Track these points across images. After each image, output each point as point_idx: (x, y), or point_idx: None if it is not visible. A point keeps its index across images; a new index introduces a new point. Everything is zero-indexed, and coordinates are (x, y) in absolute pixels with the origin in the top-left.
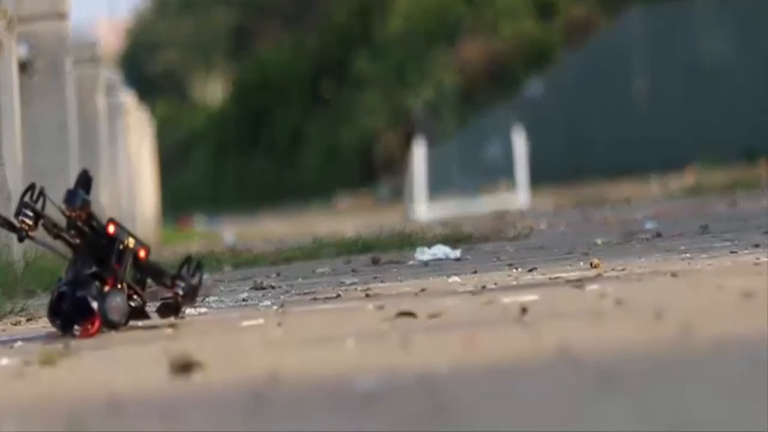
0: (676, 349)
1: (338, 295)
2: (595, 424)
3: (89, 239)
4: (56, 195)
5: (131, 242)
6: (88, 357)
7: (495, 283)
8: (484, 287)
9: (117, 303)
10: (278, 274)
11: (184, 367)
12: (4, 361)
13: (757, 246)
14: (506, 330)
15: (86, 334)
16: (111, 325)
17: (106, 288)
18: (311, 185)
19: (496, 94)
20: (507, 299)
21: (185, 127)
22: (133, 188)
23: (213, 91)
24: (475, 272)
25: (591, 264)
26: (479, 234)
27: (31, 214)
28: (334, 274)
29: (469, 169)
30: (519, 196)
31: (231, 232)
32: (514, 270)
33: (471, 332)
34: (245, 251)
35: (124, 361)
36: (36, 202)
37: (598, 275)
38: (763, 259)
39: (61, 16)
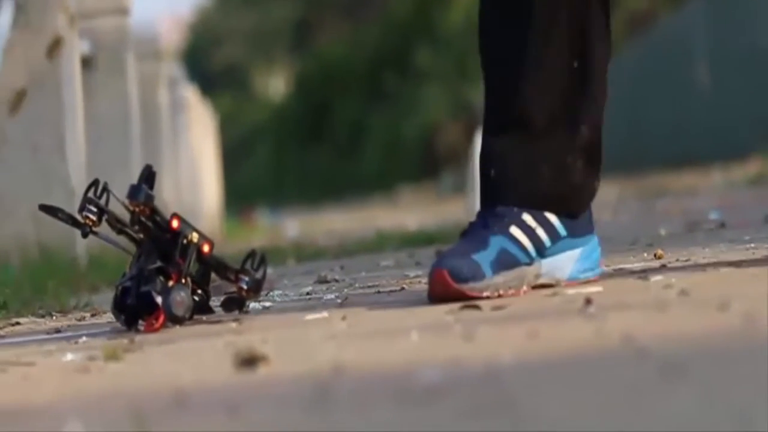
0: (740, 339)
1: (402, 288)
2: (661, 412)
3: (153, 234)
4: (119, 190)
5: (195, 237)
6: (153, 352)
7: None
8: None
9: (181, 298)
10: (342, 268)
11: (249, 361)
12: (69, 357)
13: None
14: (570, 322)
15: (150, 329)
16: (175, 320)
17: (171, 283)
18: (372, 178)
19: None
20: (571, 291)
21: (247, 121)
22: (195, 183)
23: (275, 84)
24: None
25: (655, 255)
26: None
27: (94, 209)
28: (397, 266)
29: None
30: None
31: (294, 225)
32: None
33: (535, 324)
34: (308, 244)
35: (188, 356)
36: (99, 197)
37: (662, 266)
38: None
39: (123, 11)
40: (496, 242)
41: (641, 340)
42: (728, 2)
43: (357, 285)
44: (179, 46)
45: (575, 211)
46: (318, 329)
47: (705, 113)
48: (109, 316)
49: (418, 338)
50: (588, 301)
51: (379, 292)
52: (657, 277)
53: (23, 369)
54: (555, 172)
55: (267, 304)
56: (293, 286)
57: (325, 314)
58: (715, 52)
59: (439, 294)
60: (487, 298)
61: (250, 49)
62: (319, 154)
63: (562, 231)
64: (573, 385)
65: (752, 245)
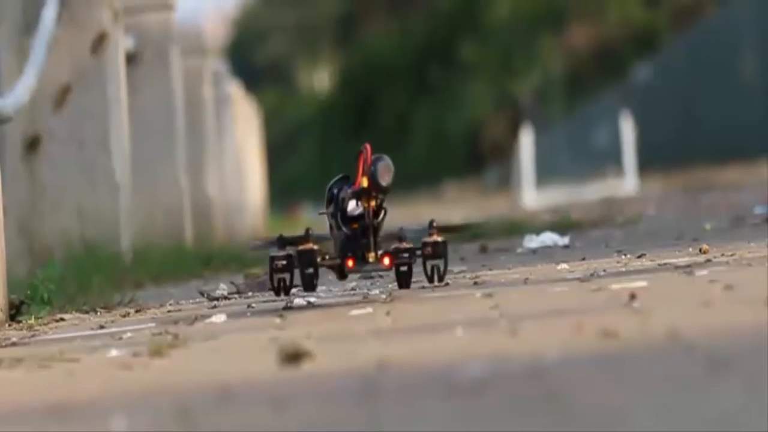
0: None
1: (447, 284)
2: (708, 404)
3: None
4: (162, 184)
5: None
6: (197, 347)
7: (604, 270)
8: (592, 274)
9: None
10: None
11: (293, 356)
12: (113, 353)
13: None
14: (615, 316)
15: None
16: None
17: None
18: (418, 172)
19: (604, 80)
20: (616, 286)
21: (292, 116)
22: (240, 178)
23: (319, 79)
24: (584, 259)
25: (700, 250)
26: (587, 220)
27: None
28: None
29: (576, 156)
30: (627, 182)
31: None
32: (623, 256)
33: (580, 319)
34: None
35: (232, 352)
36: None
37: (707, 261)
38: None
39: (168, 7)
40: None
41: (687, 336)
42: None
43: None
44: (224, 42)
45: None
46: (362, 324)
47: (752, 107)
48: (153, 312)
49: (462, 333)
50: (633, 296)
51: (423, 287)
52: (702, 272)
53: (68, 365)
54: None
55: (311, 299)
56: (338, 281)
57: (369, 309)
58: (762, 45)
59: None
60: None
61: (294, 44)
62: None
63: None
64: (618, 380)
65: None
